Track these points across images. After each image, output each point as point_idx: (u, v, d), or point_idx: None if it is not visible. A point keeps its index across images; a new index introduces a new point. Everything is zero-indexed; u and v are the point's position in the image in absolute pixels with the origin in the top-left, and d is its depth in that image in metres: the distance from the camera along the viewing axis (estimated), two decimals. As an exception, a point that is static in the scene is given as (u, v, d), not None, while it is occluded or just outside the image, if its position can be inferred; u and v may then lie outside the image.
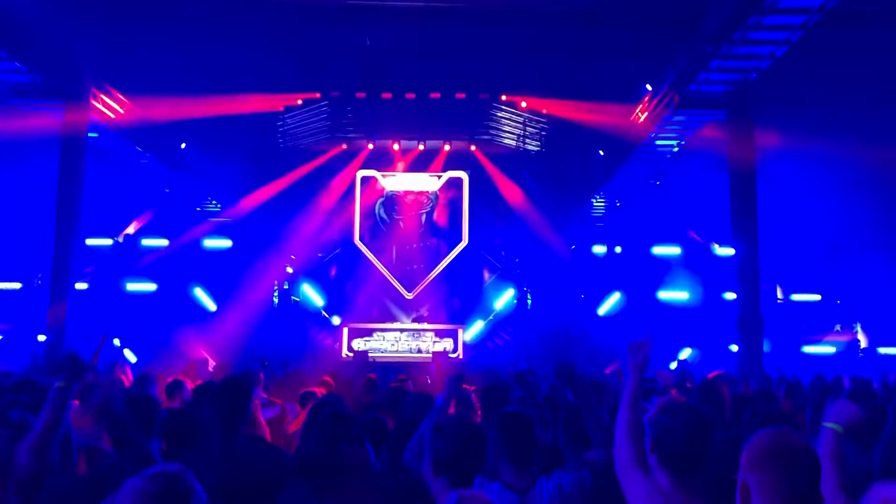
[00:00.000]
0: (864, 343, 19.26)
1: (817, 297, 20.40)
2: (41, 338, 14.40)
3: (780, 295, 20.57)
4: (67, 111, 13.34)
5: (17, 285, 19.69)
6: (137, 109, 15.83)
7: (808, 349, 18.78)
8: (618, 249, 20.19)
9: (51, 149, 14.09)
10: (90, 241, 18.37)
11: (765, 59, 11.77)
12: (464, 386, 7.21)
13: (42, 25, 13.54)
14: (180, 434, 4.07)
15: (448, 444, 2.82)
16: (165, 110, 16.57)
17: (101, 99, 14.65)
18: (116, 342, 17.14)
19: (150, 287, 19.29)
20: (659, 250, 20.89)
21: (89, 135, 14.00)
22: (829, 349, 18.97)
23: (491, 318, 20.43)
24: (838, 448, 2.56)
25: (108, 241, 20.53)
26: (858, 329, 19.50)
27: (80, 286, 15.72)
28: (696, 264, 20.91)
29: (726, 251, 17.96)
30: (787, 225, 18.08)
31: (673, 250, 20.96)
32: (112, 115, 15.02)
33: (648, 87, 15.09)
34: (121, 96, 15.35)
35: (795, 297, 20.47)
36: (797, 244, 19.40)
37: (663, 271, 20.62)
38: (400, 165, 21.18)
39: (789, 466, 2.09)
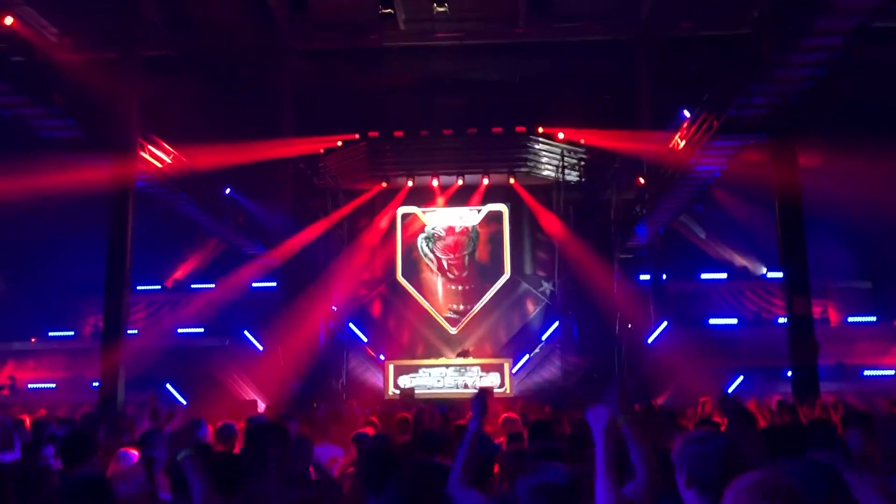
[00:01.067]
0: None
1: (873, 319, 19.87)
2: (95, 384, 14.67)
3: (834, 317, 20.06)
4: (115, 163, 13.72)
5: (69, 333, 20.19)
6: (183, 158, 16.23)
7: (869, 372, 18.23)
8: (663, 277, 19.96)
9: (102, 200, 14.51)
10: (141, 287, 18.79)
11: (805, 81, 11.61)
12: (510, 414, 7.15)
13: (91, 82, 14.05)
14: (228, 478, 4.09)
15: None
16: (210, 158, 16.95)
17: (149, 149, 15.06)
18: (168, 387, 17.43)
19: (199, 330, 19.58)
20: (707, 276, 20.63)
21: (137, 184, 14.36)
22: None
23: (538, 350, 20.26)
24: None
25: (157, 287, 21.00)
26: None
27: (132, 332, 16.02)
28: (745, 289, 20.60)
29: (776, 274, 17.65)
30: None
31: (720, 276, 20.68)
32: (159, 165, 15.42)
33: (687, 113, 14.98)
34: (167, 146, 15.77)
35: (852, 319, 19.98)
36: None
37: (712, 297, 20.33)
38: (440, 201, 21.30)
39: None
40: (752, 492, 1.90)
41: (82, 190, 13.98)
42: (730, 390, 17.23)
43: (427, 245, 21.45)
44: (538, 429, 5.05)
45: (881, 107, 17.55)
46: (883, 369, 18.51)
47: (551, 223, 20.60)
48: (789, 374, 13.70)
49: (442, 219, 21.52)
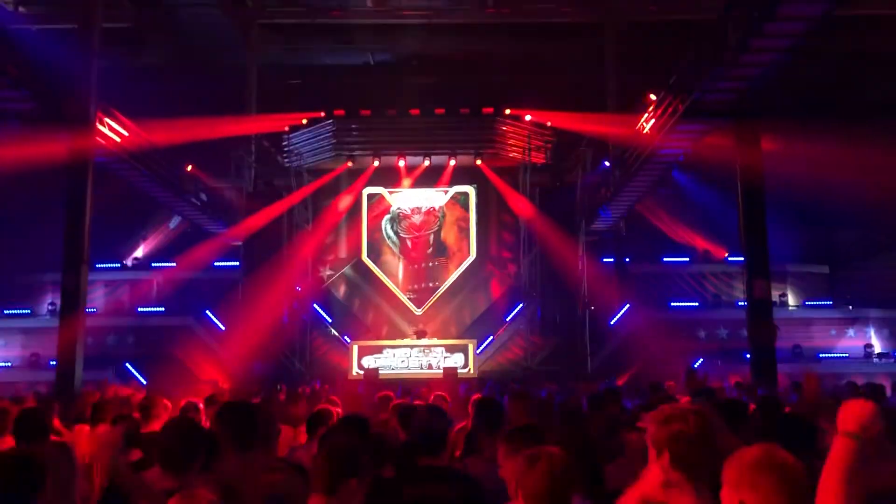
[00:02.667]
0: (878, 348, 19.09)
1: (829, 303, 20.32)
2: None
3: (792, 301, 20.46)
4: (73, 136, 13.37)
5: (26, 311, 19.78)
6: (143, 133, 15.89)
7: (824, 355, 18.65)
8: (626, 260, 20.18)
9: (58, 175, 14.16)
10: (100, 265, 18.44)
11: (769, 67, 11.71)
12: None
13: (47, 54, 13.66)
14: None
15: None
16: (171, 134, 16.63)
17: (108, 124, 14.70)
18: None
19: (159, 309, 19.32)
20: (669, 259, 20.87)
21: (96, 159, 14.02)
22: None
23: (502, 331, 20.35)
24: (853, 460, 2.13)
25: (116, 265, 20.64)
26: (872, 334, 19.33)
27: (91, 310, 15.73)
28: (707, 272, 20.89)
29: (737, 258, 17.91)
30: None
31: (682, 259, 20.94)
32: (118, 140, 15.07)
33: (652, 96, 15.04)
34: (126, 121, 15.41)
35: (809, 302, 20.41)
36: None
37: (674, 280, 20.58)
38: (406, 181, 21.19)
39: (782, 484, 2.02)
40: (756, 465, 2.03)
41: (39, 164, 13.60)
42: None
43: (391, 227, 21.36)
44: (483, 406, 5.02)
45: (841, 94, 17.86)
46: (837, 352, 18.97)
47: (518, 205, 20.63)
48: (748, 356, 13.94)
49: (408, 199, 21.44)
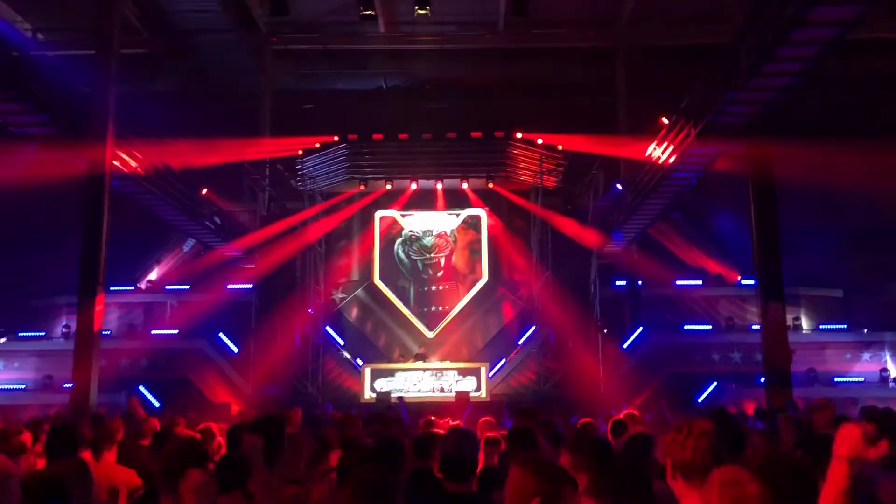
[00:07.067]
0: (894, 372, 18.90)
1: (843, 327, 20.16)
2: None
3: (806, 325, 20.31)
4: (90, 161, 13.49)
5: (40, 333, 19.88)
6: (158, 157, 16.04)
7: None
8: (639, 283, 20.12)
9: (73, 199, 14.31)
10: (114, 289, 18.54)
11: (781, 90, 11.75)
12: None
13: (65, 79, 13.87)
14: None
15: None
16: (186, 158, 16.80)
17: (125, 148, 14.84)
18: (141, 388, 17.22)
19: (173, 332, 19.38)
20: (681, 283, 20.79)
21: (112, 182, 14.15)
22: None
23: (514, 354, 20.27)
24: (845, 484, 2.19)
25: (130, 288, 20.74)
26: (888, 358, 19.16)
27: (105, 332, 15.79)
28: (720, 296, 20.80)
29: (749, 281, 17.84)
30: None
31: (695, 282, 20.86)
32: (134, 164, 15.22)
33: (665, 119, 15.09)
34: (142, 145, 15.56)
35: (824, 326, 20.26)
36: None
37: (686, 304, 20.49)
38: (418, 205, 21.29)
39: None
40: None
41: (56, 188, 13.77)
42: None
43: (403, 250, 21.41)
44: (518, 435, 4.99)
45: (855, 116, 17.86)
46: (852, 376, 18.80)
47: (530, 227, 20.67)
48: (762, 380, 13.85)
49: (420, 222, 21.50)
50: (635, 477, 3.01)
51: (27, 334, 19.78)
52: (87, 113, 13.68)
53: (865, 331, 19.70)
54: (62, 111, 13.34)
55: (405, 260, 21.36)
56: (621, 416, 6.90)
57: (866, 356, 19.23)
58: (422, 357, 19.21)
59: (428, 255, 21.26)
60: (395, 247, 21.44)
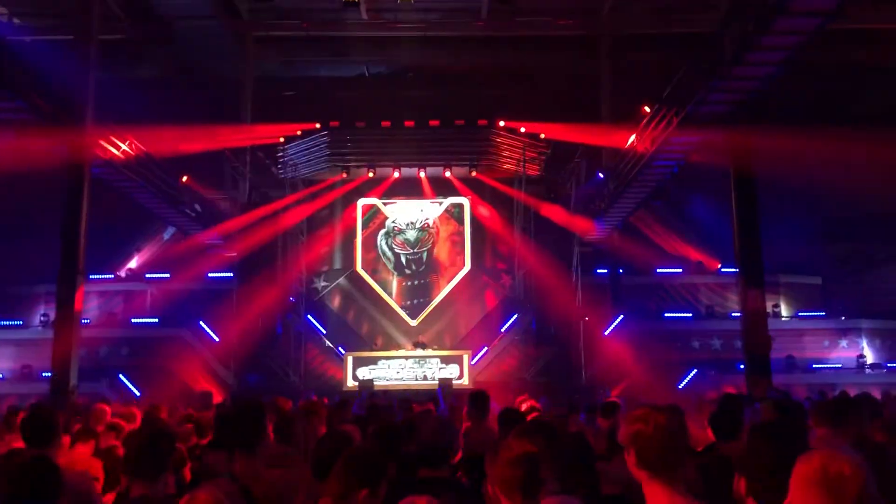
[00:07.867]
0: (870, 359, 19.19)
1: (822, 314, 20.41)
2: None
3: (785, 312, 20.55)
4: (70, 147, 13.35)
5: (17, 322, 19.67)
6: (139, 144, 15.86)
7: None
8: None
9: (51, 186, 14.14)
10: (94, 277, 18.36)
11: (763, 79, 11.82)
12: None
13: (44, 65, 13.64)
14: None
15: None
16: (166, 145, 16.62)
17: (104, 135, 14.67)
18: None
19: (153, 320, 19.25)
20: (662, 271, 20.95)
21: (92, 170, 14.00)
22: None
23: (496, 342, 20.34)
24: None
25: (110, 276, 20.56)
26: (864, 345, 19.44)
27: (84, 321, 15.66)
28: (700, 284, 20.98)
29: (729, 269, 18.00)
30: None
31: (676, 270, 21.03)
32: (115, 151, 15.04)
33: (647, 108, 15.13)
34: (122, 131, 15.39)
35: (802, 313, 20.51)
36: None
37: (667, 292, 20.66)
38: (401, 192, 21.25)
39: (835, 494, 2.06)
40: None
41: (34, 175, 13.58)
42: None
43: (386, 242, 21.39)
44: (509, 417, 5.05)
45: (835, 104, 18.01)
46: (831, 363, 19.07)
47: (512, 216, 20.71)
48: (742, 366, 13.98)
49: (403, 211, 21.48)
50: (580, 458, 3.30)
51: (4, 323, 19.56)
52: (66, 100, 13.51)
53: (843, 318, 19.96)
54: (40, 98, 13.12)
55: (388, 253, 21.35)
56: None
57: (843, 343, 19.51)
58: (421, 345, 19.24)
59: (412, 251, 21.26)
60: (378, 238, 21.42)
